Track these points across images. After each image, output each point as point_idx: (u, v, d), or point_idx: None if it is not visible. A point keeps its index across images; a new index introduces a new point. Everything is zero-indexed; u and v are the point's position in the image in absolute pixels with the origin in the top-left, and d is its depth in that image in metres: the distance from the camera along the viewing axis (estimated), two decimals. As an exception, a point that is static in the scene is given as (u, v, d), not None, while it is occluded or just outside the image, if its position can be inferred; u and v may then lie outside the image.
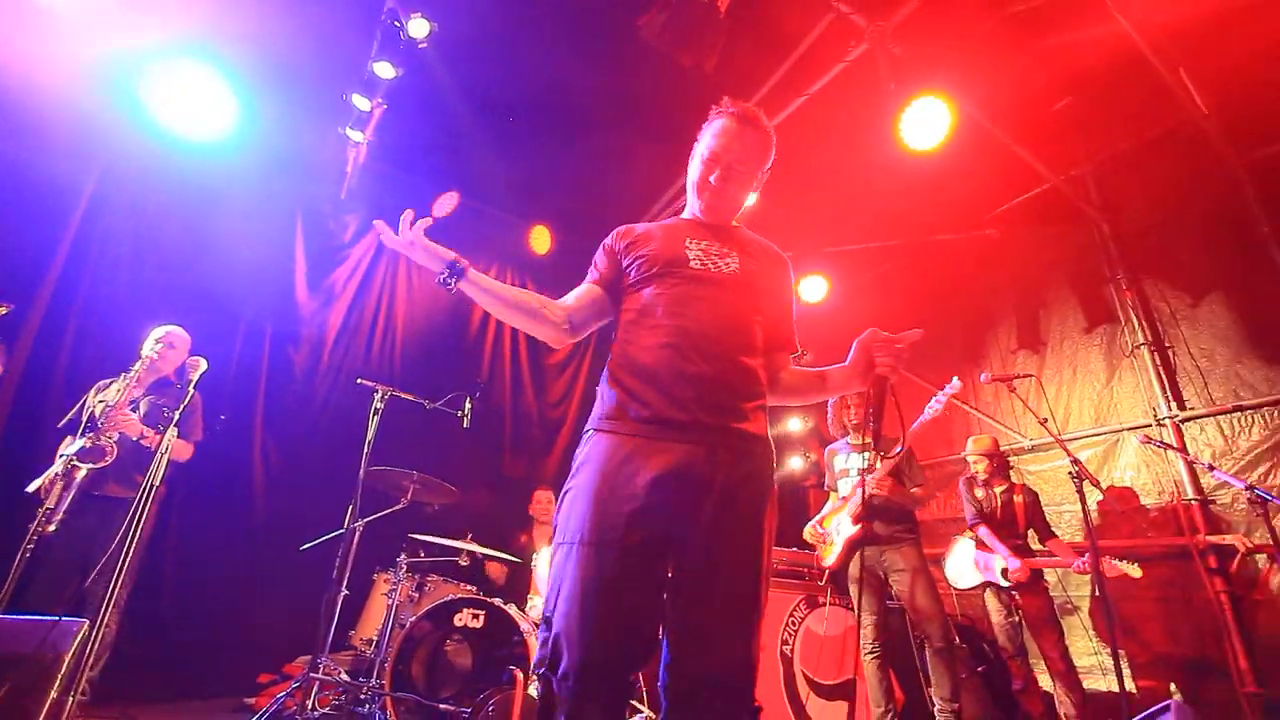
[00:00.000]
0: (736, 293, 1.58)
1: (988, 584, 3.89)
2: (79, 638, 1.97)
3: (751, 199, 1.87)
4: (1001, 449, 4.35)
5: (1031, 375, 4.14)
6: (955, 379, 3.48)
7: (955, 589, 4.10)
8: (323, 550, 3.49)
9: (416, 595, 3.57)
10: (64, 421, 2.96)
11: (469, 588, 3.67)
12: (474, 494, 4.20)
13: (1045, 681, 3.92)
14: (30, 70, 3.75)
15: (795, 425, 7.05)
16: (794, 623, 3.70)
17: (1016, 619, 3.85)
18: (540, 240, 5.81)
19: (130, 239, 4.18)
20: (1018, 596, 3.85)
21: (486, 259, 5.93)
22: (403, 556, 3.58)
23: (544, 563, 3.76)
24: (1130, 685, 3.99)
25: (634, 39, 3.25)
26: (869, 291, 6.28)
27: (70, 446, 2.75)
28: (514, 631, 3.32)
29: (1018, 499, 4.01)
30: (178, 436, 2.55)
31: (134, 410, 3.06)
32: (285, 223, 4.91)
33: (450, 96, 4.21)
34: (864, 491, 3.48)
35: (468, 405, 3.81)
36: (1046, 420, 3.36)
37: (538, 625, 3.50)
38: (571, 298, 1.65)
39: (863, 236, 5.95)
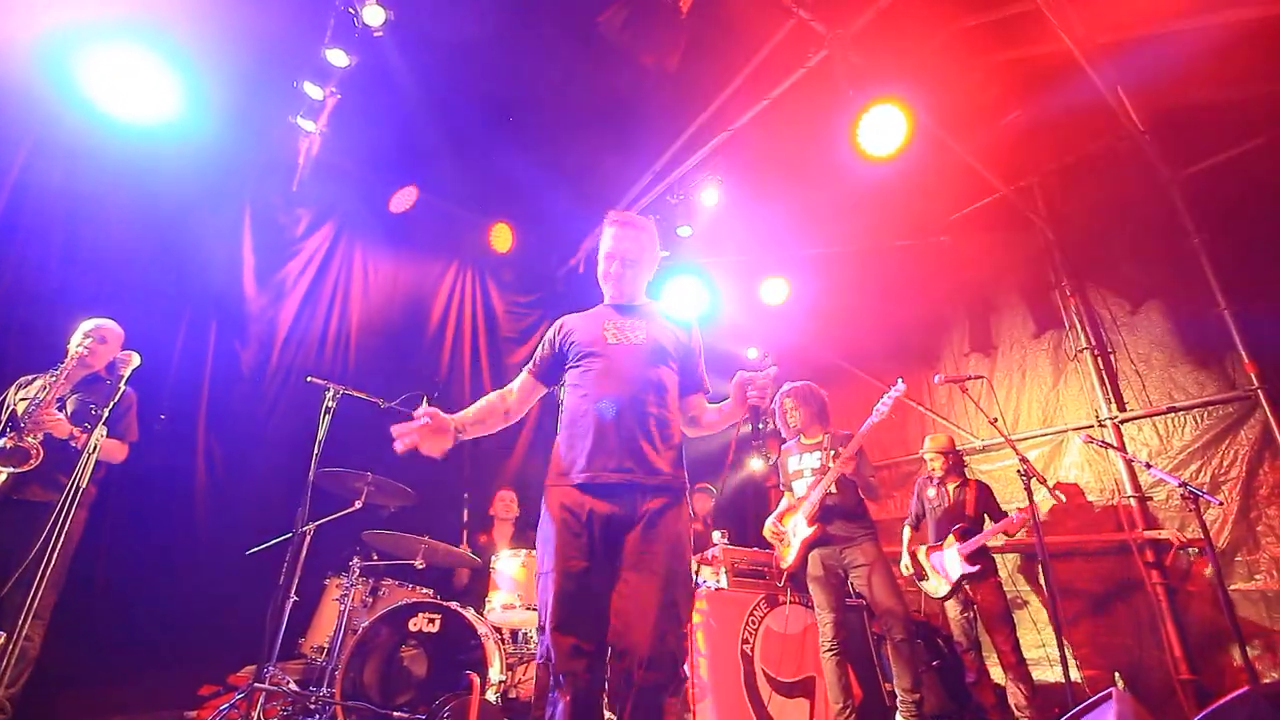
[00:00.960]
0: (646, 355, 2.03)
1: (957, 584, 3.96)
2: (-7, 651, 1.83)
3: (653, 278, 2.31)
4: (956, 448, 4.47)
5: (983, 377, 4.27)
6: (900, 381, 3.56)
7: (935, 598, 4.18)
8: (271, 555, 3.34)
9: (370, 600, 3.45)
10: (-18, 420, 2.75)
11: (425, 591, 3.57)
12: (431, 495, 4.08)
13: (996, 674, 4.04)
14: None
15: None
16: (754, 621, 3.72)
17: (971, 614, 3.96)
18: (501, 239, 5.72)
19: (60, 224, 3.93)
20: (970, 591, 3.96)
21: (447, 256, 5.81)
22: (355, 560, 3.47)
23: (505, 563, 3.69)
24: (1075, 675, 4.15)
25: (596, 35, 3.23)
26: (828, 294, 6.40)
27: (-11, 447, 2.56)
28: (471, 635, 3.25)
29: (968, 493, 4.14)
30: (108, 436, 2.40)
31: (60, 409, 2.86)
32: (233, 214, 4.70)
33: (407, 89, 4.10)
34: (820, 493, 3.52)
35: (424, 404, 3.69)
36: (997, 420, 3.47)
37: (496, 628, 3.44)
38: (516, 386, 2.17)
39: (823, 241, 6.06)
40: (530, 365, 2.19)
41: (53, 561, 2.05)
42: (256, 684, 2.94)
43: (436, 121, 4.45)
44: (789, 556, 3.64)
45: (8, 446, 2.50)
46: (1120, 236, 4.79)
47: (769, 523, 3.81)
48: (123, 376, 2.33)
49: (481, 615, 3.47)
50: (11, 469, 2.48)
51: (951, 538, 3.99)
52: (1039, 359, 5.12)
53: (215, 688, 3.62)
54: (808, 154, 4.77)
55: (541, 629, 1.79)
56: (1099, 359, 4.69)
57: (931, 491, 4.28)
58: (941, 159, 4.72)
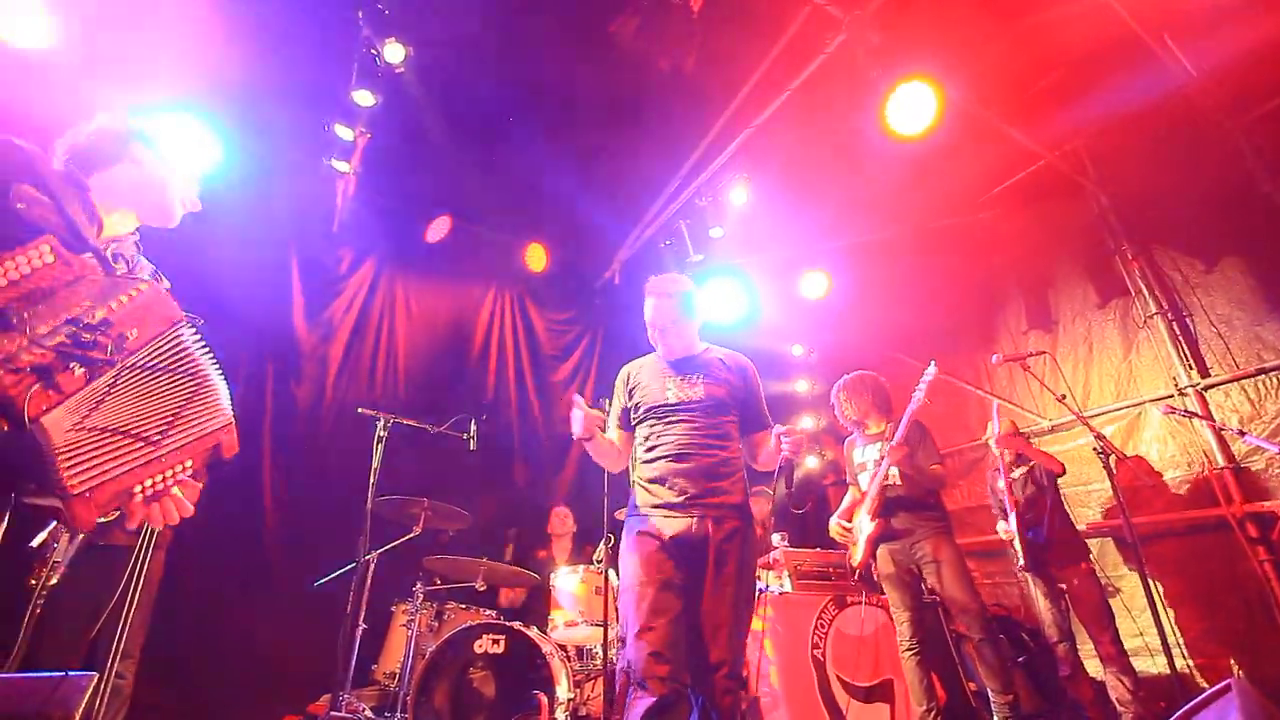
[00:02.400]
0: (706, 411, 2.29)
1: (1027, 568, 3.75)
2: (89, 692, 1.91)
3: (707, 324, 2.60)
4: (1021, 431, 4.24)
5: (1045, 353, 4.05)
6: (932, 364, 3.41)
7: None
8: (338, 585, 3.43)
9: (436, 624, 3.49)
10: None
11: (488, 613, 3.59)
12: (487, 517, 4.13)
13: (1091, 667, 3.78)
14: (28, 125, 3.78)
15: (808, 424, 6.95)
16: (823, 625, 3.60)
17: (1064, 604, 3.71)
18: (535, 258, 5.79)
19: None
20: (1061, 579, 3.72)
21: (484, 280, 5.91)
22: (418, 585, 3.52)
23: (564, 580, 3.68)
24: (1181, 665, 3.84)
25: (610, 44, 3.24)
26: (871, 283, 6.22)
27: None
28: (536, 655, 3.24)
29: (1038, 478, 3.92)
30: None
31: None
32: (280, 259, 4.90)
33: (432, 119, 4.21)
34: (878, 486, 3.39)
35: (473, 428, 3.76)
36: (1065, 397, 3.27)
37: (561, 646, 3.43)
38: (616, 440, 2.45)
39: (860, 229, 5.90)
40: (618, 422, 2.49)
41: (136, 602, 2.13)
42: (333, 712, 3.00)
43: (462, 149, 4.55)
44: (857, 555, 3.51)
45: None
46: (1183, 193, 4.48)
47: (834, 521, 3.68)
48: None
49: (545, 634, 3.46)
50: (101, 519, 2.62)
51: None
52: (1105, 330, 4.83)
53: (296, 717, 3.72)
54: (836, 142, 4.67)
55: (623, 640, 2.03)
56: (1173, 324, 4.39)
57: (1000, 483, 4.05)
58: (976, 132, 4.54)
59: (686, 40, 3.23)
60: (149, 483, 1.26)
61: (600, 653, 3.50)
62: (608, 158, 4.58)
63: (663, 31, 3.14)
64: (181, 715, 3.65)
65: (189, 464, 1.27)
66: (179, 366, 1.28)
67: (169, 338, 1.27)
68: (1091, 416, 4.52)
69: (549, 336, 6.14)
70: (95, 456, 1.14)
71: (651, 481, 2.22)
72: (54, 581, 2.35)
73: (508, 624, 3.27)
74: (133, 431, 1.19)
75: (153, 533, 2.16)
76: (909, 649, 3.24)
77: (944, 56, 3.84)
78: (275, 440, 4.54)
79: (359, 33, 3.52)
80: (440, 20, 3.46)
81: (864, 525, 3.46)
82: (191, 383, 1.29)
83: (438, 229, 5.27)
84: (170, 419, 1.25)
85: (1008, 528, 3.86)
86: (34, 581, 2.36)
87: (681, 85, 3.30)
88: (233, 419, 1.37)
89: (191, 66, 3.88)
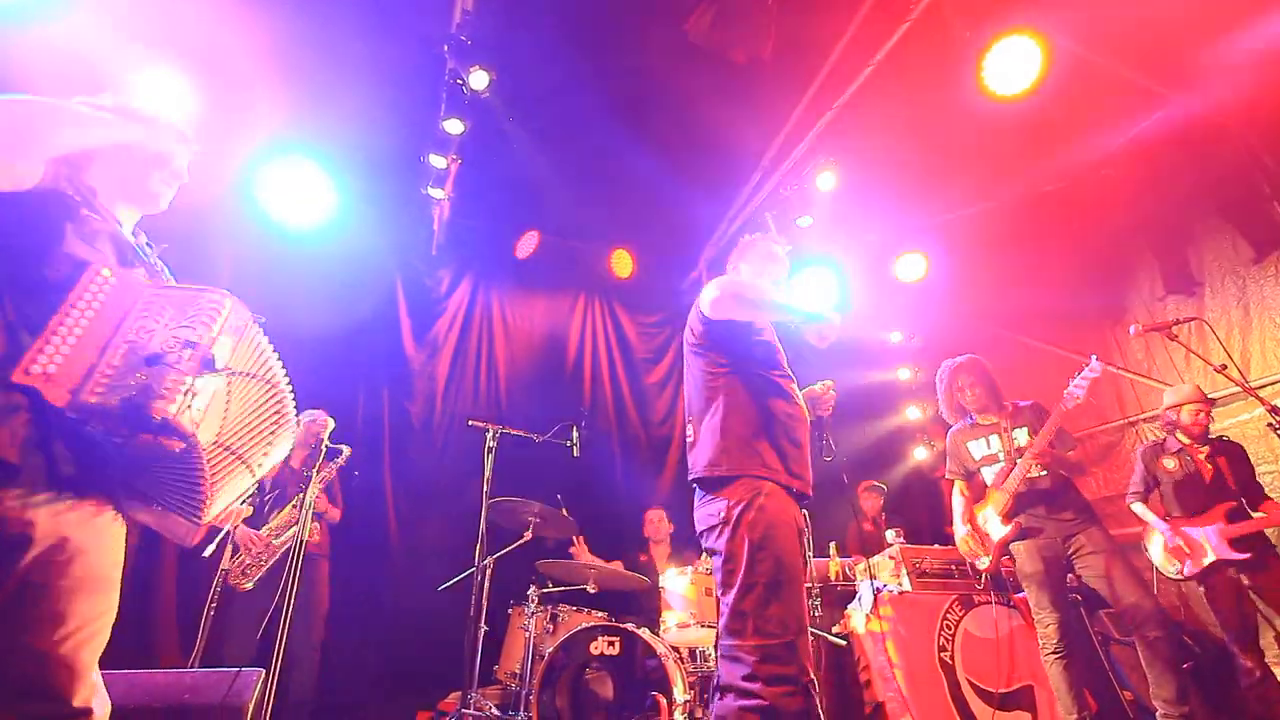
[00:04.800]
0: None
1: (1211, 568, 3.30)
2: (258, 685, 2.12)
3: None
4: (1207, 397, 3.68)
5: (1195, 319, 3.60)
6: (1094, 359, 3.06)
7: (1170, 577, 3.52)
8: (460, 589, 3.61)
9: (551, 626, 3.60)
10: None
11: (600, 614, 3.66)
12: (593, 521, 4.22)
13: None
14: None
15: (914, 414, 6.59)
16: (949, 626, 3.39)
17: (1248, 605, 3.25)
18: (622, 264, 5.87)
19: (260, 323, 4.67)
20: (1243, 577, 3.26)
21: (574, 290, 6.07)
22: (532, 589, 3.64)
23: (673, 582, 3.68)
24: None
25: (688, 41, 3.22)
26: (973, 260, 5.80)
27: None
28: (650, 656, 3.27)
29: (1221, 460, 3.43)
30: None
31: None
32: (387, 286, 5.29)
33: (515, 138, 4.38)
34: (1015, 485, 3.06)
35: (575, 434, 3.85)
36: (1225, 367, 2.88)
37: (674, 647, 3.41)
38: None
39: (957, 203, 5.53)
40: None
41: (292, 605, 2.34)
42: (464, 710, 3.16)
43: (544, 163, 4.70)
44: (985, 559, 3.22)
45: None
46: (1356, 122, 3.86)
47: (962, 531, 3.34)
48: (323, 439, 2.67)
49: (657, 635, 3.48)
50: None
51: (1213, 515, 3.32)
52: (1265, 288, 4.23)
53: (429, 713, 3.96)
54: (926, 113, 4.40)
55: (789, 645, 1.69)
56: (1357, 274, 3.78)
57: (1170, 462, 3.55)
58: (1090, 81, 4.12)
59: (763, 28, 3.16)
60: (240, 504, 1.34)
61: (714, 655, 3.47)
62: (688, 156, 4.56)
63: (738, 23, 3.08)
64: (324, 711, 3.97)
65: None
66: (266, 374, 1.29)
67: (253, 340, 1.28)
68: (1259, 387, 3.97)
69: (640, 340, 6.20)
70: (220, 480, 1.17)
71: (796, 446, 1.97)
72: (249, 585, 2.69)
73: (622, 625, 3.31)
74: (244, 455, 1.23)
75: (304, 544, 2.38)
76: (1055, 652, 2.94)
77: (1045, 3, 3.52)
78: (394, 454, 4.87)
79: (445, 65, 3.72)
80: (517, 38, 3.60)
81: (995, 528, 3.18)
82: (275, 402, 1.30)
83: (526, 245, 5.47)
84: (268, 442, 1.29)
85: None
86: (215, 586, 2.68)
87: (760, 74, 3.22)
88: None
89: (300, 114, 4.27)
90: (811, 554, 2.10)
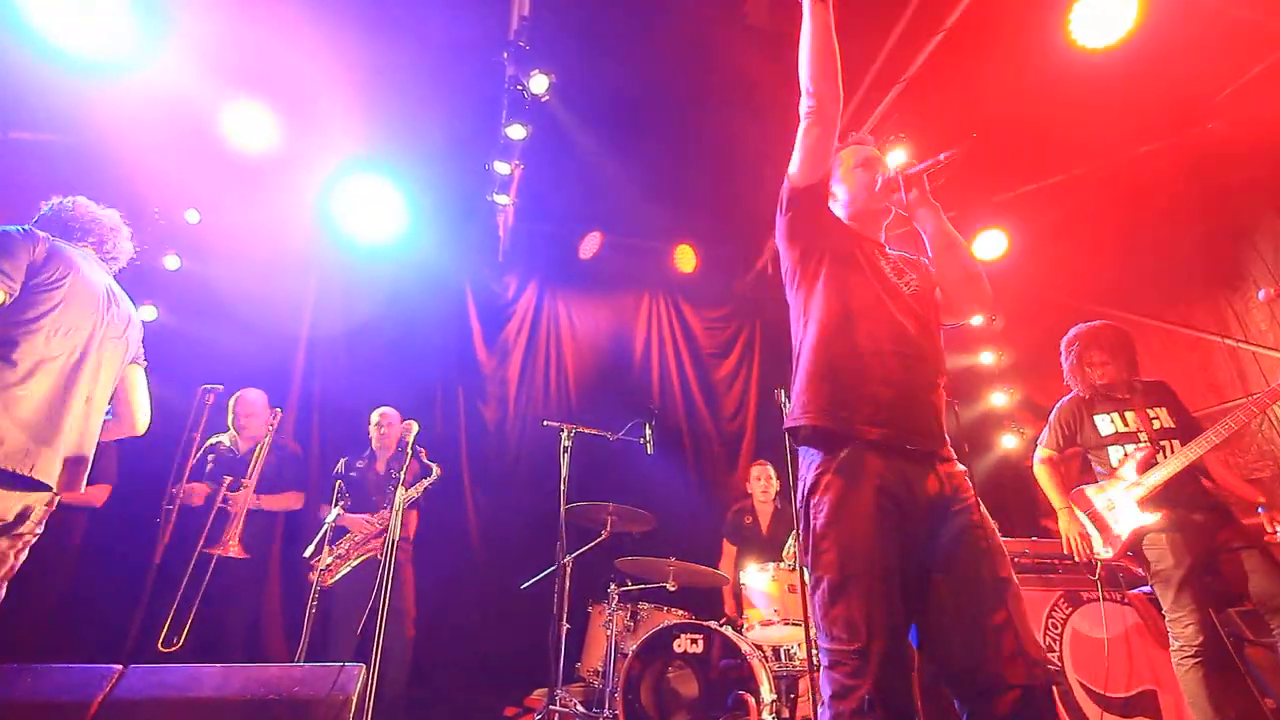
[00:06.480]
0: None
1: None
2: (359, 680, 2.21)
3: None
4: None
5: (1336, 280, 3.20)
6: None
7: None
8: (541, 587, 3.67)
9: (632, 624, 3.60)
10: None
11: (680, 613, 3.63)
12: (669, 518, 4.21)
13: None
14: (249, 215, 4.64)
15: (1000, 400, 6.21)
16: (1055, 625, 3.17)
17: None
18: (685, 259, 5.83)
19: (344, 337, 4.96)
20: None
21: (638, 288, 6.08)
22: (612, 587, 3.65)
23: (753, 578, 3.61)
24: None
25: (742, 27, 3.14)
26: (1061, 233, 5.39)
27: (330, 515, 3.22)
28: (734, 654, 3.22)
29: None
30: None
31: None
32: (457, 293, 5.48)
33: (576, 138, 4.42)
34: (1169, 472, 2.74)
35: (648, 432, 3.84)
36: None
37: (758, 646, 3.33)
38: None
39: (1040, 171, 5.15)
40: None
41: (387, 604, 2.43)
42: (550, 707, 3.20)
43: (605, 161, 4.71)
44: (1104, 544, 2.91)
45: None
46: None
47: (1069, 509, 3.04)
48: (409, 444, 2.76)
49: (741, 633, 3.42)
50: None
51: None
52: None
53: (515, 709, 4.05)
54: (1004, 74, 4.10)
55: (862, 649, 1.39)
56: None
57: None
58: (1191, 27, 3.74)
59: (825, 2, 3.03)
60: None
61: (799, 654, 3.38)
62: (749, 144, 4.45)
63: (797, 4, 2.97)
64: (415, 706, 4.12)
65: None
66: None
67: None
68: None
69: (707, 335, 6.14)
70: None
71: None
72: (332, 580, 2.83)
73: (705, 624, 3.28)
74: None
75: (395, 546, 2.47)
76: (1192, 655, 2.63)
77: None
78: (471, 457, 5.03)
79: (505, 72, 3.79)
80: (575, 39, 3.62)
81: (1129, 516, 2.85)
82: None
83: (589, 246, 5.51)
84: None
85: None
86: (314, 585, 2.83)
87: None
88: None
89: (370, 134, 4.47)
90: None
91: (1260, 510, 2.92)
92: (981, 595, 1.42)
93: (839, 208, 1.92)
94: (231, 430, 3.73)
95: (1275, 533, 2.76)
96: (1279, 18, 3.73)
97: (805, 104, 1.77)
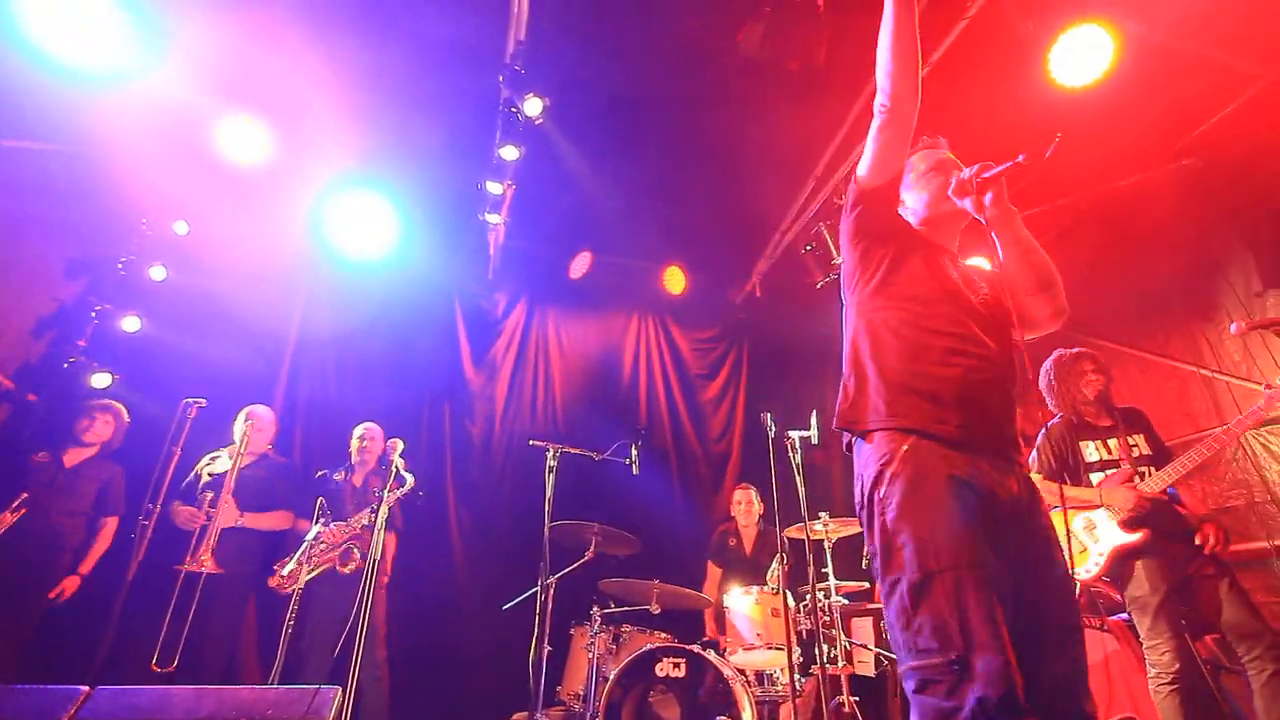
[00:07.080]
0: None
1: None
2: (335, 703, 2.17)
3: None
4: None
5: (1302, 314, 3.30)
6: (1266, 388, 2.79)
7: None
8: (522, 608, 3.63)
9: (614, 647, 3.56)
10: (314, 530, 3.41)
11: (664, 635, 3.60)
12: (654, 538, 4.18)
13: None
14: (241, 227, 4.63)
15: None
16: (1037, 651, 3.16)
17: None
18: (674, 280, 5.87)
19: (332, 350, 4.92)
20: None
21: (627, 308, 6.10)
22: (595, 609, 3.61)
23: (737, 602, 3.59)
24: None
25: (740, 53, 3.21)
26: (1044, 262, 5.51)
27: (311, 532, 3.16)
28: (717, 679, 3.19)
29: None
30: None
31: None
32: (446, 310, 5.46)
33: (567, 160, 4.46)
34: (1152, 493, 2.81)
35: (634, 452, 3.83)
36: (1345, 365, 2.62)
37: (740, 670, 3.31)
38: None
39: (1020, 201, 5.25)
40: None
41: (365, 627, 2.40)
42: (530, 731, 3.15)
43: (596, 183, 4.76)
44: (1087, 566, 2.92)
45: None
46: None
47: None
48: (393, 461, 2.74)
49: (723, 657, 3.40)
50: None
51: None
52: (1381, 277, 3.85)
53: (495, 733, 3.97)
54: (986, 109, 4.22)
55: (956, 661, 1.17)
56: None
57: None
58: (1166, 66, 3.88)
59: (815, 35, 3.12)
60: None
61: (782, 678, 3.36)
62: (739, 168, 4.53)
63: (791, 32, 3.06)
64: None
65: None
66: None
67: None
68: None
69: (695, 356, 6.16)
70: None
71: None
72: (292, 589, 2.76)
73: (688, 647, 3.25)
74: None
75: (375, 571, 2.44)
76: (1168, 682, 2.66)
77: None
78: (456, 474, 4.98)
79: (500, 94, 3.83)
80: (570, 64, 3.68)
81: (1108, 533, 2.90)
82: None
83: (579, 265, 5.54)
84: None
85: None
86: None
87: (812, 81, 3.17)
88: None
89: (364, 150, 4.49)
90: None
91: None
92: (1058, 631, 1.33)
93: (910, 215, 1.86)
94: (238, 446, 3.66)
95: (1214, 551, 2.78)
96: (1247, 60, 3.88)
97: (880, 102, 1.68)
